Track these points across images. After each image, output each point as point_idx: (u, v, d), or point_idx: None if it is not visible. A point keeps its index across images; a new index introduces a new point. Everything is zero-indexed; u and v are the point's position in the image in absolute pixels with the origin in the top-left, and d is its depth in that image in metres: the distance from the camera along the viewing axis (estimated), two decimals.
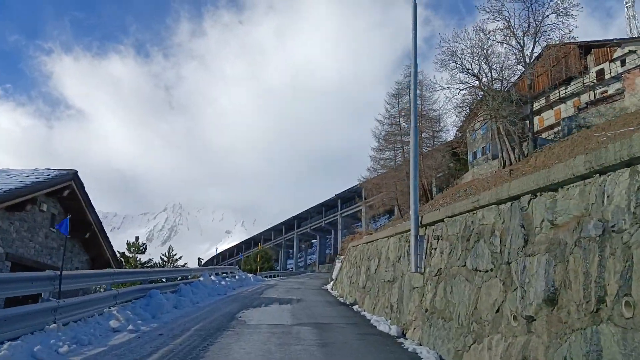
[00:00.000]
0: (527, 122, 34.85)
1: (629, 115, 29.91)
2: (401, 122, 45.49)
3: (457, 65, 34.65)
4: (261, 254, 49.21)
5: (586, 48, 39.08)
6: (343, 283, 18.76)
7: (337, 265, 31.54)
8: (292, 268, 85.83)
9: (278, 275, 47.76)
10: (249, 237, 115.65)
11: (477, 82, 34.76)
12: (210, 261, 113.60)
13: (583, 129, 33.70)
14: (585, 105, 35.23)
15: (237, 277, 23.45)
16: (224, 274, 23.34)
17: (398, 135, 45.43)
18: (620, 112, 31.89)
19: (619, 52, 36.78)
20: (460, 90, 35.31)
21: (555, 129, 39.63)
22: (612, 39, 37.27)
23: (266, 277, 38.46)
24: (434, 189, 45.95)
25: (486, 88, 34.46)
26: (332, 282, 24.40)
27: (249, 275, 28.18)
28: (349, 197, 78.34)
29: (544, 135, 40.80)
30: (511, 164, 35.01)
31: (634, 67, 32.32)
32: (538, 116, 42.25)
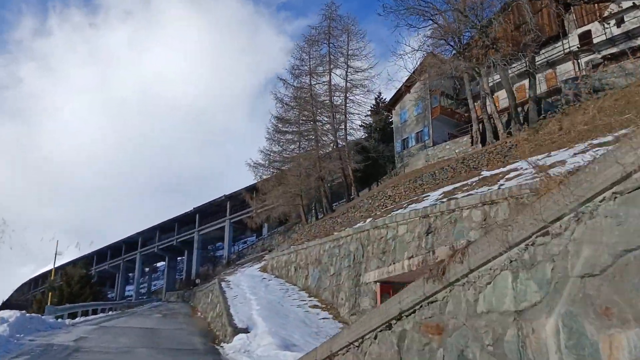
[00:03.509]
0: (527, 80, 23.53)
1: None
2: (314, 85, 31.61)
3: None
4: (76, 273, 30.37)
5: (564, 5, 29.59)
6: None
7: (230, 293, 15.75)
8: (132, 296, 65.61)
9: (109, 309, 29.69)
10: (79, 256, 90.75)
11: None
12: (26, 285, 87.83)
13: (600, 92, 23.47)
14: (601, 61, 25.05)
15: None
16: None
17: (309, 104, 31.30)
18: None
19: (613, 8, 27.66)
20: (426, 28, 22.98)
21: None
22: None
23: (76, 314, 20.81)
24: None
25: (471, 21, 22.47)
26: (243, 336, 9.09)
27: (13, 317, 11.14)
28: (211, 211, 61.95)
29: (501, 117, 30.11)
30: (492, 140, 23.17)
31: None
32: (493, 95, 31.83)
